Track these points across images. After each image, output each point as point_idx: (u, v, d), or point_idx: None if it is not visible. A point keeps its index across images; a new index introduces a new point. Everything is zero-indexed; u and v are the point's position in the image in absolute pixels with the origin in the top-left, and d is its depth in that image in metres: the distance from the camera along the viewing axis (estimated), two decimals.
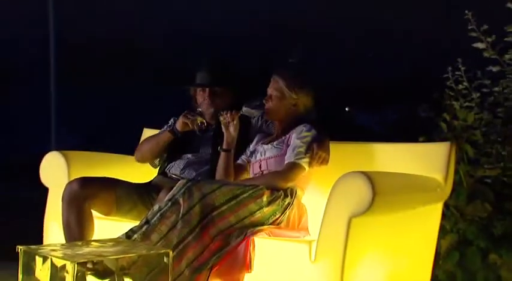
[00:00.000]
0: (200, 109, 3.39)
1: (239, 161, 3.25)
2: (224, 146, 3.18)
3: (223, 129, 3.16)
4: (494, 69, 4.11)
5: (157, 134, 3.45)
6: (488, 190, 3.81)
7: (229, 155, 3.18)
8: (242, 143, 3.25)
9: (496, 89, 4.10)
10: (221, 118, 3.13)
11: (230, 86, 3.38)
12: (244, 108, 3.11)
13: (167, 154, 3.46)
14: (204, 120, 3.25)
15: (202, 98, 3.39)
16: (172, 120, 3.49)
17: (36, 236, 3.34)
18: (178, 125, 3.28)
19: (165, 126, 3.49)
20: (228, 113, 3.13)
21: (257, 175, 3.11)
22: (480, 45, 4.12)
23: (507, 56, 4.09)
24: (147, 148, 3.44)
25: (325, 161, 3.04)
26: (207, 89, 3.36)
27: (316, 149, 3.00)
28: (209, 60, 3.46)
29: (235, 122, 3.14)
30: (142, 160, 3.51)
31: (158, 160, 3.50)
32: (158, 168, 3.50)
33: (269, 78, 3.17)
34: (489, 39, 4.11)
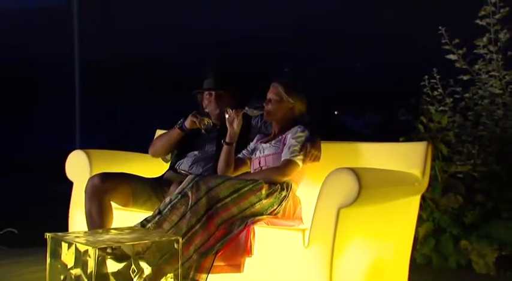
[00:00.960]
0: (207, 110, 3.41)
1: (240, 155, 3.25)
2: (227, 140, 3.17)
3: (227, 125, 3.15)
4: (465, 77, 4.12)
5: (168, 131, 3.45)
6: (460, 184, 3.82)
7: (231, 148, 3.17)
8: (243, 139, 3.25)
9: (467, 95, 4.11)
10: (226, 115, 3.13)
11: (232, 90, 3.39)
12: (246, 108, 3.11)
13: (177, 151, 3.46)
14: (210, 121, 3.26)
15: (209, 101, 3.40)
16: (181, 120, 3.49)
17: (62, 224, 3.34)
18: (187, 123, 3.29)
19: (175, 126, 3.49)
20: (233, 110, 3.13)
21: (257, 171, 3.11)
22: (452, 56, 4.13)
23: (476, 66, 4.10)
24: (160, 144, 3.45)
25: (317, 158, 3.04)
26: (214, 93, 3.38)
27: (309, 147, 3.00)
28: (214, 68, 3.46)
29: (238, 119, 3.14)
30: (155, 155, 3.51)
31: (169, 155, 3.50)
32: (169, 164, 3.49)
33: (267, 83, 3.18)
34: (460, 52, 4.11)
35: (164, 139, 3.43)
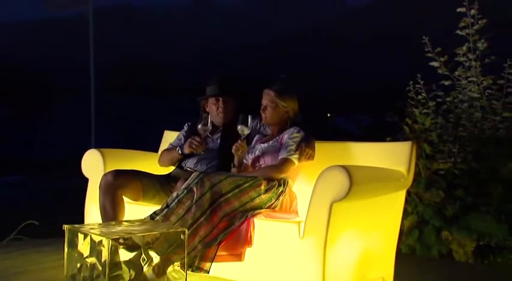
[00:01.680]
0: (209, 116, 3.37)
1: (244, 161, 3.24)
2: (235, 163, 3.16)
3: (234, 153, 3.11)
4: (446, 83, 4.12)
5: (171, 150, 3.41)
6: (441, 180, 3.82)
7: (239, 169, 3.16)
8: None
9: (448, 99, 4.11)
10: (234, 148, 3.08)
11: (234, 95, 3.38)
12: (238, 127, 3.07)
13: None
14: (204, 149, 3.21)
15: (216, 106, 3.36)
16: (186, 125, 3.49)
17: (78, 217, 3.34)
18: (185, 149, 3.25)
19: (180, 133, 3.49)
20: (239, 142, 3.08)
21: (256, 168, 3.10)
22: (435, 64, 4.13)
23: (456, 73, 4.10)
24: (165, 160, 3.43)
25: (311, 157, 3.04)
26: (221, 99, 3.35)
27: (304, 147, 3.00)
28: (217, 75, 3.45)
29: (242, 148, 3.09)
30: (162, 166, 3.50)
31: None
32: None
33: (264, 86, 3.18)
34: (442, 59, 4.11)
35: (167, 158, 3.42)
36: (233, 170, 3.16)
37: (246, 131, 3.07)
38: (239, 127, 3.06)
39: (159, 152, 3.66)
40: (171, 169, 3.44)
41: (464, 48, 4.05)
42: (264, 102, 3.13)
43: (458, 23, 4.08)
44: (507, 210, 3.65)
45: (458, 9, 4.07)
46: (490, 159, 3.81)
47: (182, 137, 3.47)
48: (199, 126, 3.15)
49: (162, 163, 3.44)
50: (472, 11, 4.03)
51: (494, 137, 3.91)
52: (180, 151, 3.30)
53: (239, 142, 3.07)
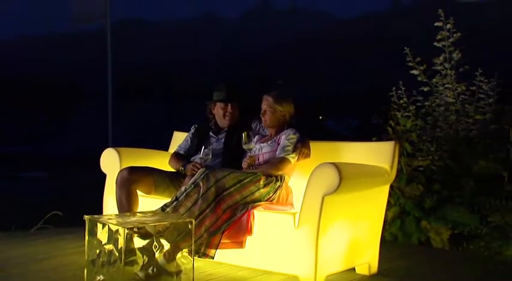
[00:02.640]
0: (217, 117, 3.35)
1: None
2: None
3: (244, 167, 3.05)
4: (425, 89, 4.11)
5: (178, 161, 3.29)
6: (421, 175, 3.81)
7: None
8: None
9: (427, 103, 4.09)
10: (245, 165, 3.03)
11: (240, 101, 3.34)
12: (245, 146, 3.05)
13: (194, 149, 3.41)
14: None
15: (224, 111, 3.31)
16: (193, 128, 3.45)
17: (97, 208, 3.33)
18: (187, 171, 3.12)
19: (187, 135, 3.44)
20: (248, 158, 3.04)
21: (256, 165, 3.09)
22: (415, 72, 4.12)
23: (434, 80, 4.09)
24: (172, 167, 3.31)
25: (308, 155, 3.02)
26: (229, 105, 3.30)
27: (301, 147, 2.99)
28: (224, 82, 3.41)
29: (251, 162, 3.04)
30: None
31: None
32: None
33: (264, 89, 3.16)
34: (421, 68, 4.10)
35: (174, 166, 3.30)
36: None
37: (252, 146, 3.08)
38: (245, 146, 3.06)
39: (169, 150, 3.64)
40: None
41: (441, 58, 4.04)
42: (264, 107, 3.11)
43: (435, 35, 4.08)
44: (478, 202, 3.64)
45: (436, 24, 4.07)
46: (464, 157, 3.80)
47: (189, 139, 3.43)
48: (201, 154, 3.08)
49: (170, 166, 3.38)
50: (448, 26, 4.03)
51: (467, 137, 3.91)
52: (183, 168, 3.21)
53: (248, 158, 3.04)
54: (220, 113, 3.33)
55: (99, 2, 6.11)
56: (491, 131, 3.86)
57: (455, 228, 3.65)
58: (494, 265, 3.25)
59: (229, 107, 3.30)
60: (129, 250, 2.53)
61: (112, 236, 2.48)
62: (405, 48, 4.09)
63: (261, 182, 2.84)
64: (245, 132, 3.07)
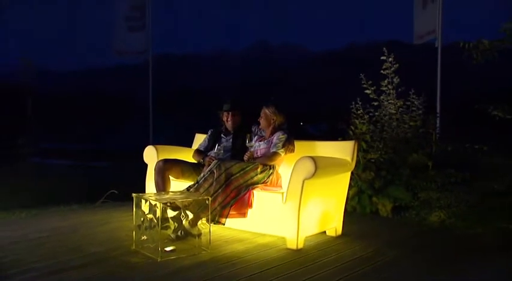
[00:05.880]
0: (226, 125, 3.28)
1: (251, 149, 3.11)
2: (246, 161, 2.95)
3: (245, 160, 2.90)
4: (375, 103, 4.05)
5: (200, 154, 3.18)
6: (372, 165, 3.76)
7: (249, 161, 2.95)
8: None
9: (376, 113, 4.04)
10: (246, 158, 2.89)
11: (241, 110, 3.27)
12: (247, 144, 2.99)
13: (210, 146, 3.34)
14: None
15: (227, 117, 3.26)
16: (210, 131, 3.36)
17: (141, 188, 3.27)
18: (205, 162, 3.04)
19: (205, 136, 3.35)
20: (248, 154, 2.91)
21: (255, 158, 3.01)
22: (368, 91, 4.06)
23: (381, 97, 4.03)
24: (194, 159, 3.20)
25: (293, 151, 2.97)
26: (231, 113, 3.24)
27: (288, 144, 2.93)
28: (230, 96, 3.35)
29: (250, 156, 2.92)
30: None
31: None
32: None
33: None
34: (372, 88, 4.04)
35: (196, 159, 3.19)
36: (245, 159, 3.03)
37: (252, 144, 3.03)
38: (248, 144, 3.01)
39: (192, 147, 3.57)
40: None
41: (386, 81, 3.99)
42: (262, 115, 3.06)
43: (382, 65, 4.03)
44: (412, 184, 3.63)
45: (382, 57, 4.02)
46: (402, 152, 3.77)
47: (207, 139, 3.36)
48: (215, 150, 3.08)
49: (193, 158, 3.31)
50: (390, 59, 3.99)
51: (404, 138, 3.87)
52: (202, 160, 3.12)
53: (249, 152, 2.95)
54: (226, 120, 3.27)
55: (142, 40, 6.01)
56: (420, 134, 3.83)
57: (396, 202, 3.62)
58: (421, 227, 3.22)
59: (230, 114, 3.24)
60: (164, 218, 2.50)
61: (152, 209, 2.45)
62: (361, 74, 4.05)
63: (259, 170, 2.78)
64: (248, 135, 3.07)
